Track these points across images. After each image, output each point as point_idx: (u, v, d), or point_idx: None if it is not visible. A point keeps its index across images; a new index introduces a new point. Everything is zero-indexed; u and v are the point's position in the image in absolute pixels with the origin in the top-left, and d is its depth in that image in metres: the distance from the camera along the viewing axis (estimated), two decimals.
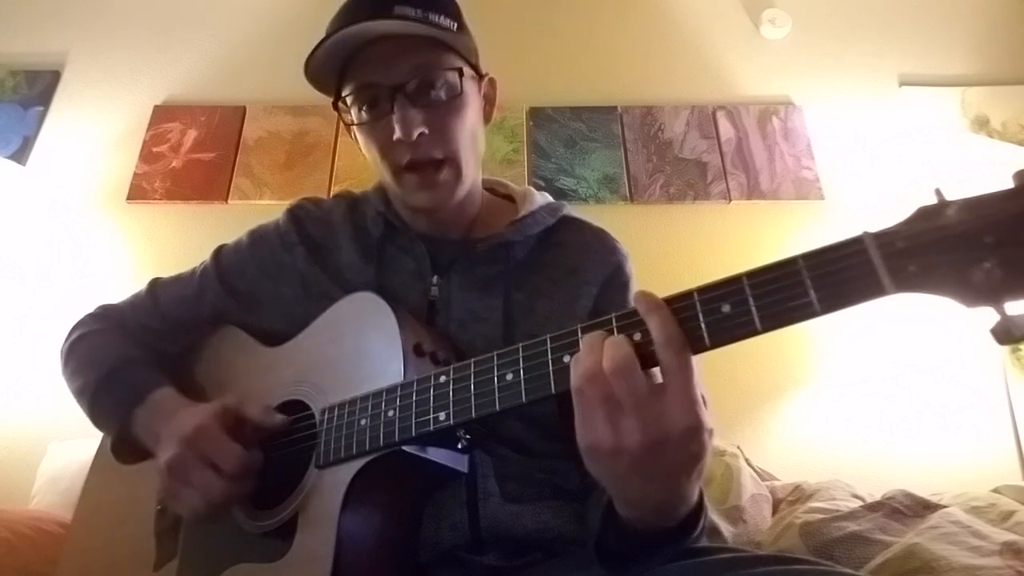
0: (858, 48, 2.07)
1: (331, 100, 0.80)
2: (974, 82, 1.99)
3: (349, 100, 0.77)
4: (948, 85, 1.99)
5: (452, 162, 0.77)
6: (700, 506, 0.56)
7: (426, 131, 0.74)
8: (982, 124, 1.92)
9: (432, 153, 0.75)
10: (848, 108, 1.98)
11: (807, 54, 2.07)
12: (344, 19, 0.74)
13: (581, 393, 0.49)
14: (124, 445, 0.79)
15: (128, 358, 0.83)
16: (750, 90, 2.03)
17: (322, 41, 0.73)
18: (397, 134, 0.73)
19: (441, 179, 0.77)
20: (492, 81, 0.87)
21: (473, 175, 0.82)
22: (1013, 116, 1.93)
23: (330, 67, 0.76)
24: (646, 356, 0.48)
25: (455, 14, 0.79)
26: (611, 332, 0.50)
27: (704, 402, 0.49)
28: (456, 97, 0.76)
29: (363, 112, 0.77)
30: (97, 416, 0.82)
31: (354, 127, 0.79)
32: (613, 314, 0.51)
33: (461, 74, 0.77)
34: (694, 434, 0.47)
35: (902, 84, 2.01)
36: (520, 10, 2.13)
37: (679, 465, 0.48)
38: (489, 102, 0.87)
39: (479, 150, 0.83)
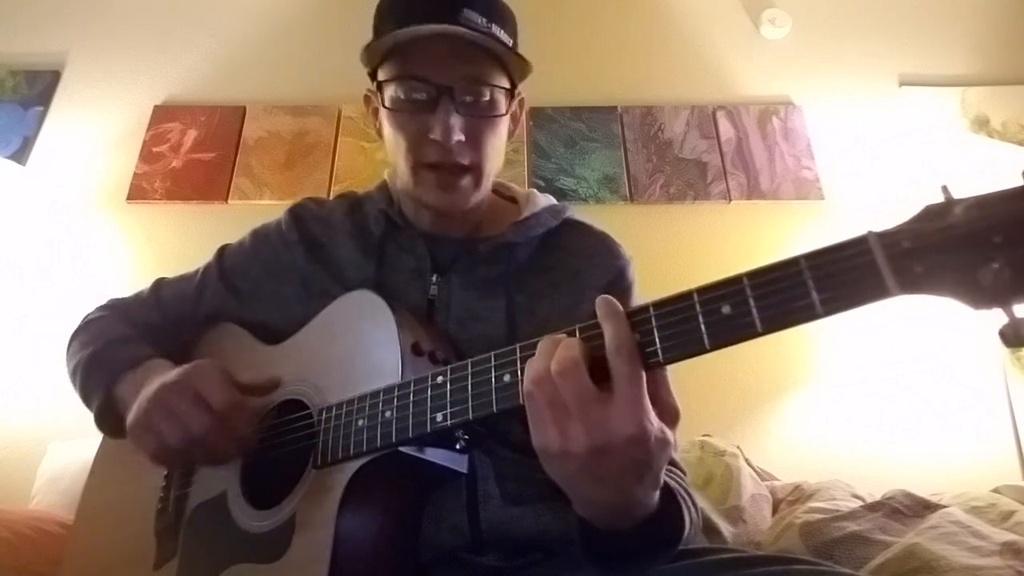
0: (858, 48, 2.07)
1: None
2: (974, 82, 1.99)
3: (392, 85, 0.76)
4: (948, 85, 1.98)
5: (476, 171, 0.78)
6: (672, 513, 0.56)
7: (463, 139, 0.74)
8: (982, 124, 1.92)
9: (461, 160, 0.76)
10: (848, 108, 1.98)
11: (807, 54, 2.07)
12: (409, 9, 0.73)
13: (531, 397, 0.49)
14: (109, 415, 0.78)
15: (124, 336, 0.83)
16: (750, 90, 2.02)
17: (394, 30, 0.71)
18: (436, 135, 0.73)
19: (461, 184, 0.77)
20: (523, 101, 0.87)
21: (489, 186, 0.83)
22: (1013, 116, 1.93)
23: (384, 49, 0.75)
24: (603, 363, 0.48)
25: (514, 31, 0.80)
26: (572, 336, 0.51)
27: (675, 414, 0.50)
28: (496, 113, 0.77)
29: (402, 99, 0.76)
30: (87, 387, 0.80)
31: (383, 109, 0.78)
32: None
33: (506, 92, 0.78)
34: (638, 442, 0.47)
35: (902, 84, 2.01)
36: (520, 10, 2.12)
37: (624, 471, 0.49)
38: (515, 120, 0.87)
39: (500, 164, 0.83)
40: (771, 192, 1.85)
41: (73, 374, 0.84)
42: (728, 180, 1.87)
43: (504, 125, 0.80)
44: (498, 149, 0.80)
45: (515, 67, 0.79)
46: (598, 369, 0.48)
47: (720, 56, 2.07)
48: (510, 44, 0.78)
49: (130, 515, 0.80)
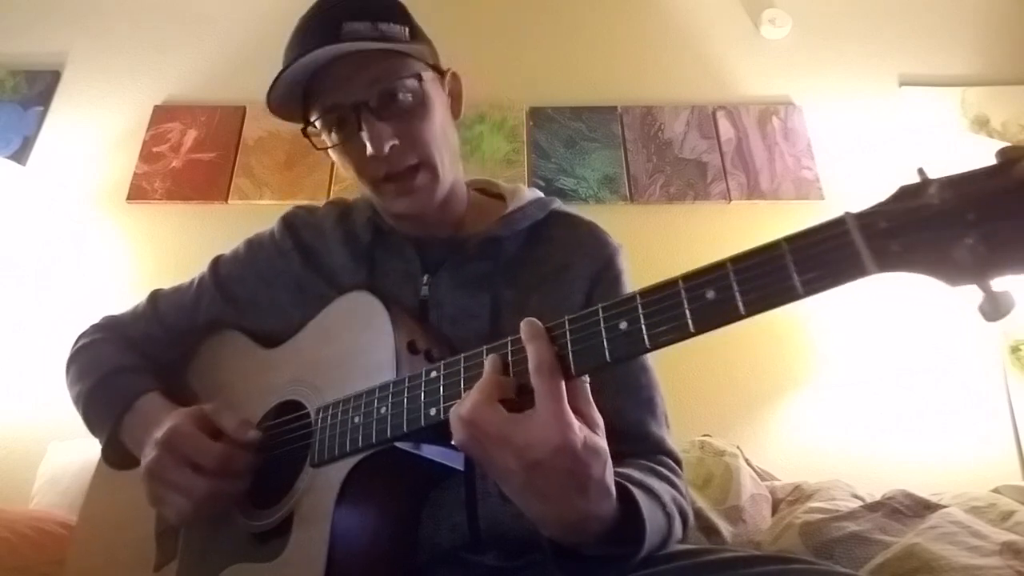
0: (858, 48, 2.06)
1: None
2: (974, 82, 1.99)
3: (318, 125, 0.78)
4: (948, 85, 1.98)
5: (427, 165, 0.77)
6: (635, 528, 0.56)
7: (397, 142, 0.74)
8: (982, 124, 1.92)
9: (406, 162, 0.76)
10: (848, 108, 1.98)
11: (807, 54, 2.07)
12: (297, 47, 0.75)
13: (463, 442, 0.52)
14: (114, 451, 0.81)
15: (120, 366, 0.84)
16: (750, 90, 2.02)
17: (279, 75, 0.73)
18: (369, 150, 0.73)
19: (418, 183, 0.77)
20: (456, 76, 0.86)
21: (451, 173, 0.82)
22: (1013, 116, 1.93)
23: (293, 97, 0.77)
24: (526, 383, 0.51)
25: (404, 18, 0.79)
26: (505, 357, 0.54)
27: (596, 423, 0.52)
28: (420, 103, 0.77)
29: (333, 134, 0.77)
30: (90, 424, 0.84)
31: (329, 150, 0.80)
32: (509, 338, 0.54)
33: (420, 79, 0.77)
34: (563, 453, 0.49)
35: (902, 84, 2.00)
36: (520, 9, 2.13)
37: (560, 484, 0.50)
38: (455, 98, 0.86)
39: (453, 148, 0.83)
40: (771, 192, 1.85)
41: (75, 403, 0.86)
42: (728, 180, 1.87)
43: (436, 110, 0.79)
44: (441, 135, 0.79)
45: (420, 52, 0.78)
46: (524, 390, 0.52)
47: (720, 56, 2.07)
48: (404, 33, 0.77)
49: (132, 518, 0.81)
